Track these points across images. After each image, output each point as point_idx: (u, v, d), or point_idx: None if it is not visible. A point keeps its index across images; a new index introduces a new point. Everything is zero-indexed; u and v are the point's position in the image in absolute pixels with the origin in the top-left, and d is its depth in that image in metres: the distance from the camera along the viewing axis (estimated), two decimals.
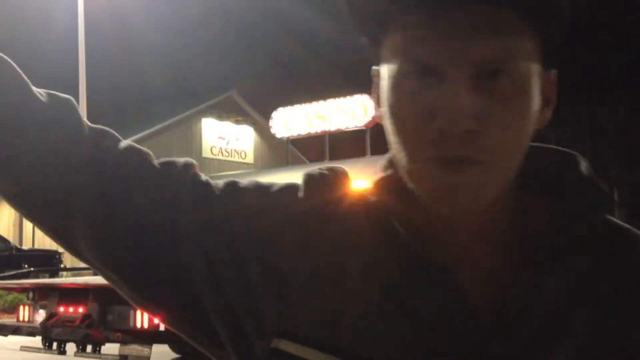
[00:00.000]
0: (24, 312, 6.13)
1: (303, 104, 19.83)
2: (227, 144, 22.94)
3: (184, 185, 0.64)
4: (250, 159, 23.55)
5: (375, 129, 18.84)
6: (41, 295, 6.06)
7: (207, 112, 22.45)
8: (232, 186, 0.66)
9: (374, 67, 0.62)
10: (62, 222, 0.64)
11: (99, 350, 5.52)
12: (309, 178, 0.65)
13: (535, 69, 0.56)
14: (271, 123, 20.62)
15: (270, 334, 0.60)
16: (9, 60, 0.64)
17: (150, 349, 5.10)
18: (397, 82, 0.56)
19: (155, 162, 0.66)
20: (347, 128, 18.82)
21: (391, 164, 0.63)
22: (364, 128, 18.59)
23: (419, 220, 0.60)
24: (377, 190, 0.63)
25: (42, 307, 5.98)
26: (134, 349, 5.13)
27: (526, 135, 0.57)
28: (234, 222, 0.63)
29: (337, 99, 19.16)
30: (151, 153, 0.67)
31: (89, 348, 5.56)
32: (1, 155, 0.62)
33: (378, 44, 0.59)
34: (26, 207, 0.65)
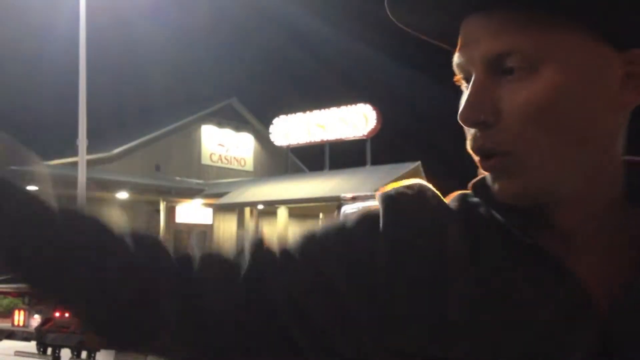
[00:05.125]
0: (19, 317, 6.10)
1: (303, 113, 19.85)
2: (227, 151, 22.94)
3: (272, 269, 0.63)
4: (249, 166, 23.54)
5: (376, 139, 18.91)
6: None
7: (206, 119, 22.46)
8: (310, 239, 0.65)
9: None
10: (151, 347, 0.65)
11: (94, 357, 5.49)
12: (386, 198, 0.65)
13: (562, 52, 0.55)
14: (271, 131, 20.65)
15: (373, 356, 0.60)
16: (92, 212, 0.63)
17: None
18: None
19: (237, 257, 0.64)
20: (347, 137, 18.85)
21: None
22: (364, 138, 18.59)
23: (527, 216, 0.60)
24: (476, 191, 0.65)
25: (37, 312, 5.95)
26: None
27: (569, 124, 0.56)
28: (331, 276, 0.62)
29: (337, 108, 19.19)
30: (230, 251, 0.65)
31: (83, 354, 5.53)
32: (95, 292, 0.61)
33: None
34: (114, 338, 0.65)
